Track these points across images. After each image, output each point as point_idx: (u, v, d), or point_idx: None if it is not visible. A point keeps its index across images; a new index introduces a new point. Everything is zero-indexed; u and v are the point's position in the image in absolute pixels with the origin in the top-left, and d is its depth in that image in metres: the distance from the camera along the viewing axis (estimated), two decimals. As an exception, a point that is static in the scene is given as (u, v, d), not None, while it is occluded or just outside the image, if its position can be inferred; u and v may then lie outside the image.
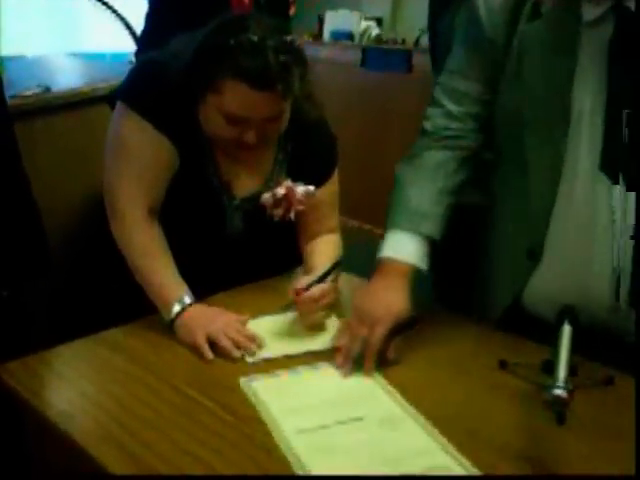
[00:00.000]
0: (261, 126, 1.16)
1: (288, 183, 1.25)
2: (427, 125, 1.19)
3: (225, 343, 1.09)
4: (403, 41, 4.18)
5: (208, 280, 1.22)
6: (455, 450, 0.86)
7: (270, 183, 1.29)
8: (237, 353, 1.08)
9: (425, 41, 3.56)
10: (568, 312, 0.95)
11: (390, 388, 1.01)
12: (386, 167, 3.76)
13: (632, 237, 1.00)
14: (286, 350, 1.11)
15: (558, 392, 0.83)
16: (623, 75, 1.00)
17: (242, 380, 1.02)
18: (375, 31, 4.21)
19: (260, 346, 1.11)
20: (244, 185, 1.29)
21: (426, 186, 1.15)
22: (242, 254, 1.31)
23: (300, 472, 0.82)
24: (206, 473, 0.82)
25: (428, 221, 1.13)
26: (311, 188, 1.27)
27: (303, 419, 0.93)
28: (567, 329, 0.93)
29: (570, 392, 0.83)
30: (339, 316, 1.22)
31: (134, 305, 1.17)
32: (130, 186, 1.19)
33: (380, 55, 3.83)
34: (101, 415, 0.94)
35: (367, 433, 0.91)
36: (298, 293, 1.14)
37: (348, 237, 1.47)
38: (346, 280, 1.38)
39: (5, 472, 1.12)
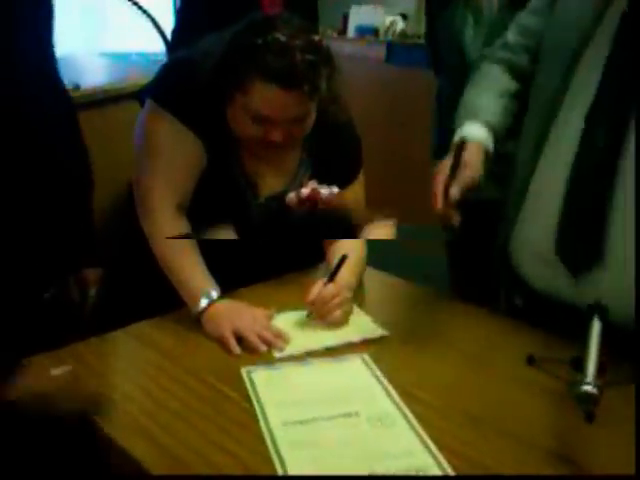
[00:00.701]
0: (287, 126, 1.16)
1: (313, 184, 1.25)
2: (486, 51, 1.30)
3: (253, 339, 1.10)
4: (428, 36, 4.14)
5: (232, 277, 1.23)
6: (438, 451, 0.85)
7: (295, 183, 1.30)
8: (264, 348, 1.10)
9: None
10: (598, 308, 0.94)
11: (390, 387, 1.00)
12: (410, 164, 3.74)
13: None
14: (312, 345, 1.12)
15: (587, 389, 0.82)
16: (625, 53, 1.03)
17: (243, 370, 1.03)
18: (400, 26, 4.19)
19: (286, 342, 1.12)
20: (269, 184, 1.30)
21: (484, 86, 1.24)
22: (266, 252, 1.31)
23: (277, 466, 0.82)
24: (231, 462, 0.84)
25: (487, 112, 1.20)
26: (335, 189, 1.27)
27: (292, 412, 0.93)
28: (596, 325, 0.92)
29: (600, 389, 0.82)
30: (364, 310, 1.23)
31: (163, 299, 1.19)
32: (159, 182, 1.21)
33: (405, 50, 3.82)
34: (131, 407, 0.96)
35: (354, 430, 0.90)
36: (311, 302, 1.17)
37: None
38: (371, 275, 1.39)
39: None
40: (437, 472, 0.82)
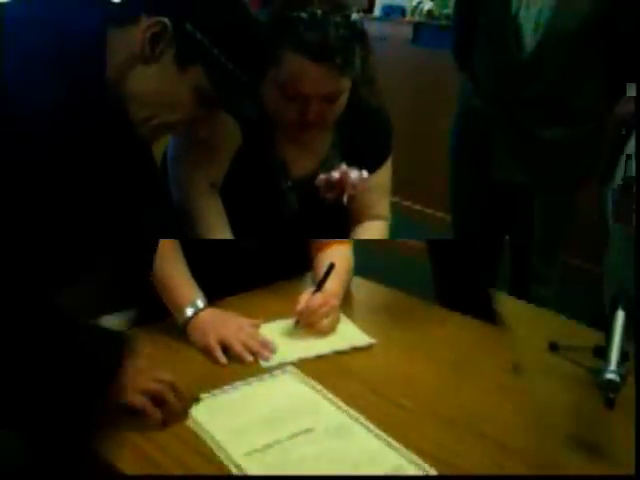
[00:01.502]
0: (319, 105, 1.16)
1: (343, 167, 1.26)
2: None
3: (238, 348, 1.08)
4: (455, 17, 4.09)
5: (218, 285, 1.23)
6: (407, 450, 0.85)
7: (325, 166, 1.30)
8: (249, 358, 1.08)
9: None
10: (622, 297, 0.95)
11: (331, 396, 0.97)
12: (436, 146, 3.69)
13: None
14: (300, 354, 1.10)
15: (610, 376, 0.83)
16: None
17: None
18: (427, 6, 4.12)
19: (273, 351, 1.10)
20: (300, 166, 1.31)
21: None
22: (295, 234, 1.32)
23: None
24: (218, 473, 0.82)
25: None
26: (365, 174, 1.28)
27: (249, 439, 0.87)
28: (621, 314, 0.93)
29: (622, 377, 0.84)
30: (351, 318, 1.23)
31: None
32: (194, 159, 1.22)
33: (432, 31, 3.76)
34: (116, 417, 0.90)
35: (319, 444, 0.87)
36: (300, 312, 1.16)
37: (396, 216, 1.48)
38: (358, 284, 1.40)
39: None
40: (414, 471, 0.81)
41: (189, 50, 0.90)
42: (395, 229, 1.46)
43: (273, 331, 1.17)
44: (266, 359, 1.08)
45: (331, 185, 1.26)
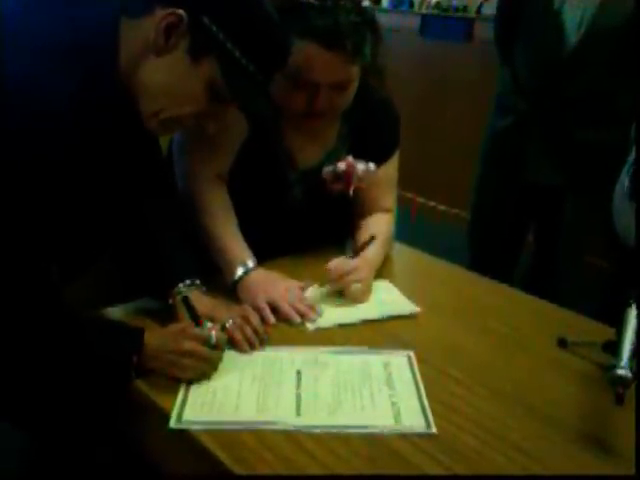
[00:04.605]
0: (328, 93, 1.15)
1: (350, 159, 1.25)
2: None
3: (286, 309, 1.12)
4: (464, 9, 4.07)
5: (265, 248, 1.24)
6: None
7: (332, 157, 1.30)
8: (298, 319, 1.11)
9: (487, 10, 3.47)
10: (634, 293, 0.94)
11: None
12: (444, 138, 3.68)
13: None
14: (344, 319, 1.13)
15: (622, 372, 0.82)
16: None
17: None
18: (435, -2, 4.11)
19: (319, 314, 1.13)
20: (307, 157, 1.30)
21: None
22: (300, 225, 1.32)
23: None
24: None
25: None
26: (372, 166, 1.27)
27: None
28: (633, 310, 0.92)
29: (634, 373, 0.83)
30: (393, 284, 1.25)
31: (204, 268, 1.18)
32: (202, 149, 1.22)
33: (440, 23, 3.74)
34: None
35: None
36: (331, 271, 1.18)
37: (401, 209, 1.48)
38: (401, 251, 1.41)
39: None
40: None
41: (203, 43, 0.89)
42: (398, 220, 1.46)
43: (319, 295, 1.19)
44: (312, 321, 1.11)
45: (337, 176, 1.25)
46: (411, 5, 4.14)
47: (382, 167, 1.33)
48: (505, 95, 1.91)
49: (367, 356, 1.03)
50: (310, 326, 1.11)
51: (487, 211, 2.03)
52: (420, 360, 1.02)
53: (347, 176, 1.26)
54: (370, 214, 1.37)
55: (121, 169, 0.96)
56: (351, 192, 1.27)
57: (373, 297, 1.21)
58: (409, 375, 0.98)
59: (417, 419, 0.89)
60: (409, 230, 1.41)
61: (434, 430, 0.86)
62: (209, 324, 0.97)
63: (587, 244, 1.95)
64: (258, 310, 1.11)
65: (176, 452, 0.88)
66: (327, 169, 1.27)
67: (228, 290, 1.17)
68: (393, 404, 0.91)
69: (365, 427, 0.87)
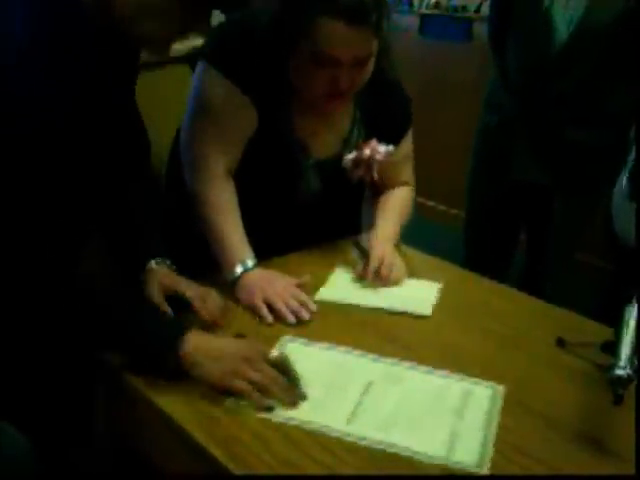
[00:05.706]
0: (350, 72, 1.13)
1: (372, 144, 1.25)
2: None
3: (280, 306, 1.11)
4: (464, 9, 4.06)
5: (277, 242, 1.25)
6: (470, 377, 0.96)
7: (348, 143, 1.29)
8: (291, 317, 1.10)
9: (486, 10, 3.46)
10: (634, 293, 0.94)
11: (372, 356, 1.02)
12: (443, 137, 3.67)
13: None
14: (354, 300, 1.18)
15: (620, 372, 0.82)
16: None
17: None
18: (435, -3, 4.11)
19: (311, 311, 1.12)
20: (322, 144, 1.29)
21: None
22: (313, 216, 1.31)
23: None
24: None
25: None
26: (391, 148, 1.28)
27: (333, 410, 0.89)
28: (631, 309, 0.92)
29: (633, 373, 0.83)
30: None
31: (204, 263, 1.20)
32: (210, 143, 1.21)
33: (439, 23, 3.74)
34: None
35: (385, 391, 0.94)
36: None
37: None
38: (403, 251, 1.39)
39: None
40: (484, 390, 0.94)
41: None
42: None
43: (343, 277, 1.26)
44: (303, 318, 1.11)
45: (358, 162, 1.25)
46: (410, 4, 4.14)
47: (399, 146, 1.34)
48: (494, 93, 1.92)
49: (448, 380, 0.97)
50: (317, 297, 1.17)
51: (478, 209, 2.04)
52: (420, 360, 1.02)
53: (369, 161, 1.26)
54: (391, 189, 1.40)
55: (103, 149, 0.94)
56: (375, 176, 1.28)
57: (398, 290, 1.24)
58: (486, 408, 0.92)
59: (471, 455, 0.82)
60: (409, 230, 1.41)
61: (485, 470, 0.80)
62: None
63: (577, 244, 1.95)
64: (255, 310, 1.11)
65: (174, 451, 0.88)
66: (348, 158, 1.27)
67: (227, 288, 1.16)
68: (452, 434, 0.86)
69: (412, 451, 0.83)
